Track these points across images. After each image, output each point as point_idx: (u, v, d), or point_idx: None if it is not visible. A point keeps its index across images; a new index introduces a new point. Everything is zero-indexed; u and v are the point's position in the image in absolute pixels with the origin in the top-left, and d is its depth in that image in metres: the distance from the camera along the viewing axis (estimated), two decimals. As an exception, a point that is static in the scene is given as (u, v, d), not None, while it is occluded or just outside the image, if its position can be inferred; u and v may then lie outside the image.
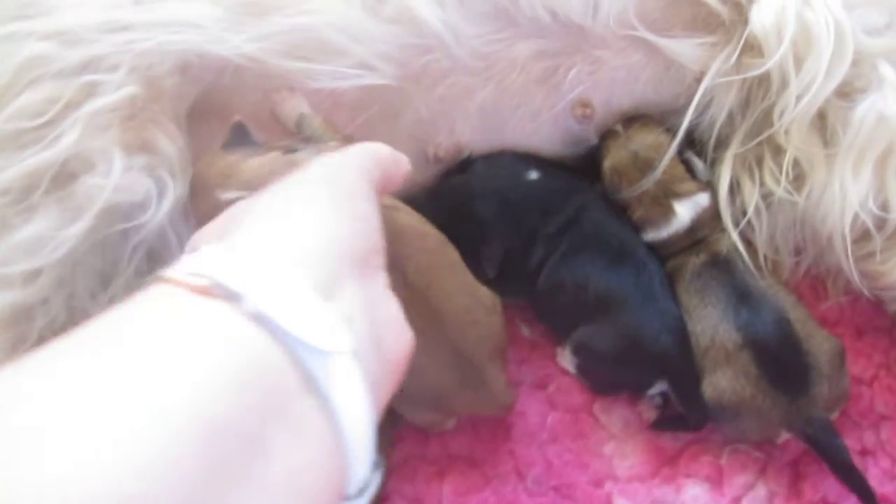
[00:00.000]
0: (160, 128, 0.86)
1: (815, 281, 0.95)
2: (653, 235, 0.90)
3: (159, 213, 0.85)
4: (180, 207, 0.88)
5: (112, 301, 0.89)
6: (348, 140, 0.79)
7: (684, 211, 0.89)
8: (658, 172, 0.88)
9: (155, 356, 0.39)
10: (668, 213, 0.89)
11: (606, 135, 0.92)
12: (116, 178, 0.82)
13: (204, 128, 0.91)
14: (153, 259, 0.90)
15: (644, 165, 0.89)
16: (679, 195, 0.89)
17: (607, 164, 0.91)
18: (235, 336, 0.42)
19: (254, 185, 0.65)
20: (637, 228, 0.90)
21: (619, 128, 0.92)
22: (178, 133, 0.87)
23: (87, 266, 0.86)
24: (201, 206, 0.78)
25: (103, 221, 0.83)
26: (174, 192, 0.86)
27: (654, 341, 0.85)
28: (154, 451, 0.35)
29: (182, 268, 0.46)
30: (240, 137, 0.81)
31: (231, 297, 0.43)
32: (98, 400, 0.36)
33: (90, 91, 0.83)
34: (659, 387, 0.87)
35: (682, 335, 0.86)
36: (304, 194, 0.54)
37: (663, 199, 0.89)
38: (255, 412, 0.39)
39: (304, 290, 0.45)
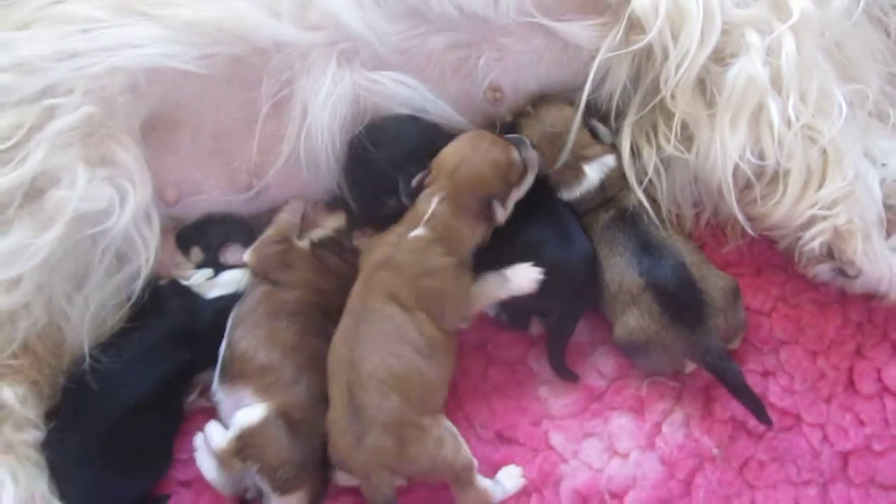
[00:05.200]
0: (117, 142, 0.96)
1: (716, 229, 1.06)
2: (567, 195, 1.01)
3: (123, 218, 0.95)
4: (143, 211, 0.98)
5: (87, 301, 0.99)
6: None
7: (593, 172, 1.01)
8: (569, 146, 1.00)
9: None
10: (579, 174, 1.01)
11: (520, 114, 1.04)
12: (81, 190, 0.92)
13: (155, 139, 1.01)
14: (122, 260, 1.00)
15: (555, 137, 1.01)
16: (587, 158, 1.01)
17: (524, 140, 1.02)
18: None
19: None
20: (553, 189, 1.02)
21: (529, 108, 1.03)
22: (134, 145, 0.97)
23: (62, 271, 0.96)
24: None
25: (73, 229, 0.93)
26: (135, 198, 0.96)
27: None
28: None
29: None
30: None
31: None
32: None
33: (50, 114, 0.93)
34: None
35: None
36: None
37: (574, 163, 1.01)
38: None
39: None
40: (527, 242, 0.98)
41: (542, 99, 1.04)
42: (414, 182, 0.97)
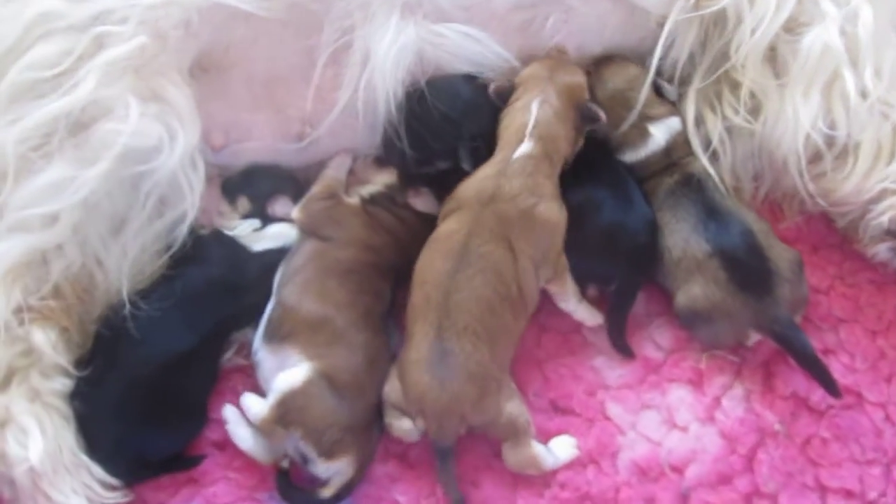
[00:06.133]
0: (167, 78, 0.91)
1: (774, 205, 1.05)
2: (631, 156, 0.99)
3: (171, 159, 0.89)
4: (189, 155, 0.93)
5: (125, 247, 0.94)
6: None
7: (659, 133, 0.98)
8: (639, 106, 0.97)
9: None
10: (645, 134, 0.98)
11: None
12: (133, 123, 0.86)
13: (205, 80, 0.96)
14: (165, 205, 0.94)
15: (620, 97, 0.98)
16: (652, 118, 0.99)
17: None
18: None
19: None
20: (615, 151, 0.99)
21: (590, 69, 1.01)
22: (183, 83, 0.92)
23: (100, 213, 0.91)
24: None
25: (120, 165, 0.87)
26: (184, 138, 0.90)
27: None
28: None
29: None
30: None
31: None
32: None
33: (101, 43, 0.88)
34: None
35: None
36: None
37: (639, 123, 0.98)
38: None
39: None
40: (587, 201, 0.95)
41: (602, 59, 1.02)
42: (493, 88, 0.96)
